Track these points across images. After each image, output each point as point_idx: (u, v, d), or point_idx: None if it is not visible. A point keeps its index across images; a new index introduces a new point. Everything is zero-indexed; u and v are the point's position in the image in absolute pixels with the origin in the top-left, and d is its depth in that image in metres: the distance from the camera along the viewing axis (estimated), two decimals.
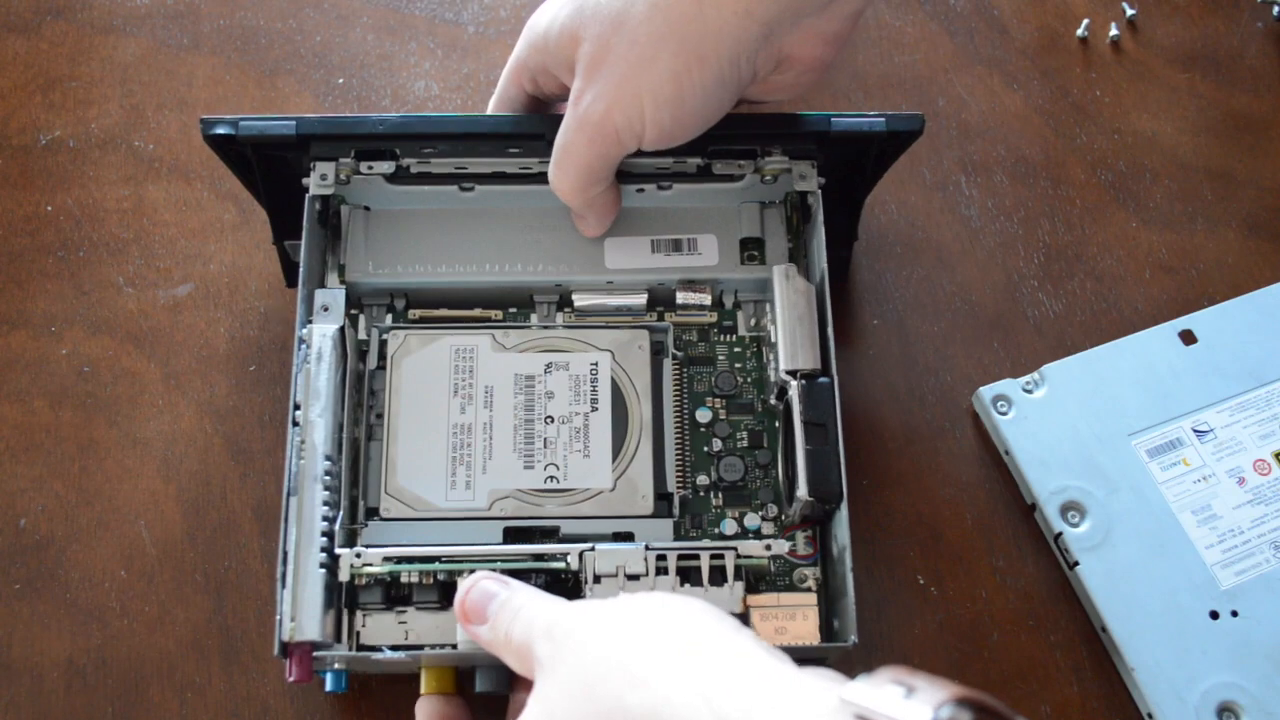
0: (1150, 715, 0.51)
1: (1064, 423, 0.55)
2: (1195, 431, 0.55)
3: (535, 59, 0.51)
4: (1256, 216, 0.61)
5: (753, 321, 0.54)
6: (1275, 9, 0.65)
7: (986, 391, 0.56)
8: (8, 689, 0.52)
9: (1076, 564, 0.53)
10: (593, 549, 0.47)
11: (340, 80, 0.64)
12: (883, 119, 0.51)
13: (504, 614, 0.43)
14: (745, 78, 0.49)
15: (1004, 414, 0.55)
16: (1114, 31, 0.65)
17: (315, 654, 0.46)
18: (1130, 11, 0.65)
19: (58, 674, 0.52)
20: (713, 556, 0.47)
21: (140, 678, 0.52)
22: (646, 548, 0.47)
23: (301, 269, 0.50)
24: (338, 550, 0.47)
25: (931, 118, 0.63)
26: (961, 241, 0.60)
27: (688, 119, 0.48)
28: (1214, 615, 0.52)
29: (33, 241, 0.60)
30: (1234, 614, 0.52)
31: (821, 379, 0.49)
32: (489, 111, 0.54)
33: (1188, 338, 0.57)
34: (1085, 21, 0.65)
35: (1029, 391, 0.56)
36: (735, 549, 0.47)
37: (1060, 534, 0.53)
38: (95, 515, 0.55)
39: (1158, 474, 0.54)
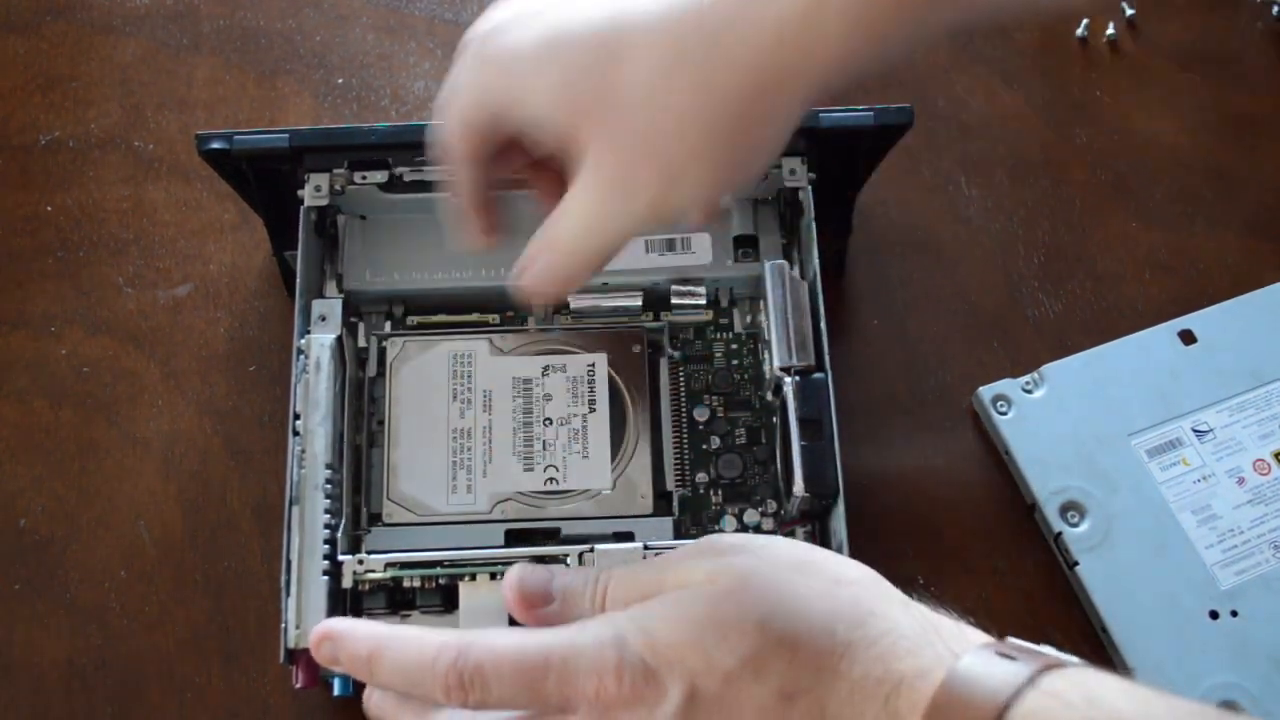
0: None
1: (1064, 423, 0.55)
2: (1195, 431, 0.55)
3: (490, 107, 0.42)
4: (1256, 216, 0.61)
5: (748, 319, 0.54)
6: (1275, 9, 0.65)
7: (986, 391, 0.56)
8: (8, 689, 0.52)
9: (1076, 564, 0.53)
10: (592, 549, 0.47)
11: (340, 80, 0.64)
12: (871, 112, 0.52)
13: (581, 588, 0.42)
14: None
15: (1004, 414, 0.55)
16: (1111, 31, 0.65)
17: None
18: (1129, 11, 0.65)
19: (58, 674, 0.52)
20: None
21: (140, 678, 0.52)
22: (645, 547, 0.47)
23: (299, 280, 0.51)
24: (340, 557, 0.47)
25: (931, 118, 0.63)
26: (961, 241, 0.60)
27: (735, 188, 0.42)
28: (1214, 615, 0.52)
29: (33, 241, 0.60)
30: (1234, 614, 0.52)
31: (816, 375, 0.49)
32: (443, 143, 0.44)
33: (1188, 338, 0.57)
34: (1085, 21, 0.65)
35: (1029, 391, 0.56)
36: None
37: (1060, 534, 0.53)
38: (95, 515, 0.55)
39: (1158, 474, 0.54)
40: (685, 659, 0.38)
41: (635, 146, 0.39)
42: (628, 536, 0.49)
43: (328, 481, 0.48)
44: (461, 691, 0.39)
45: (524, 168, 0.45)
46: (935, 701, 0.35)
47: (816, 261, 0.51)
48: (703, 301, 0.54)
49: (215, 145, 0.51)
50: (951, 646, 0.37)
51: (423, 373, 0.52)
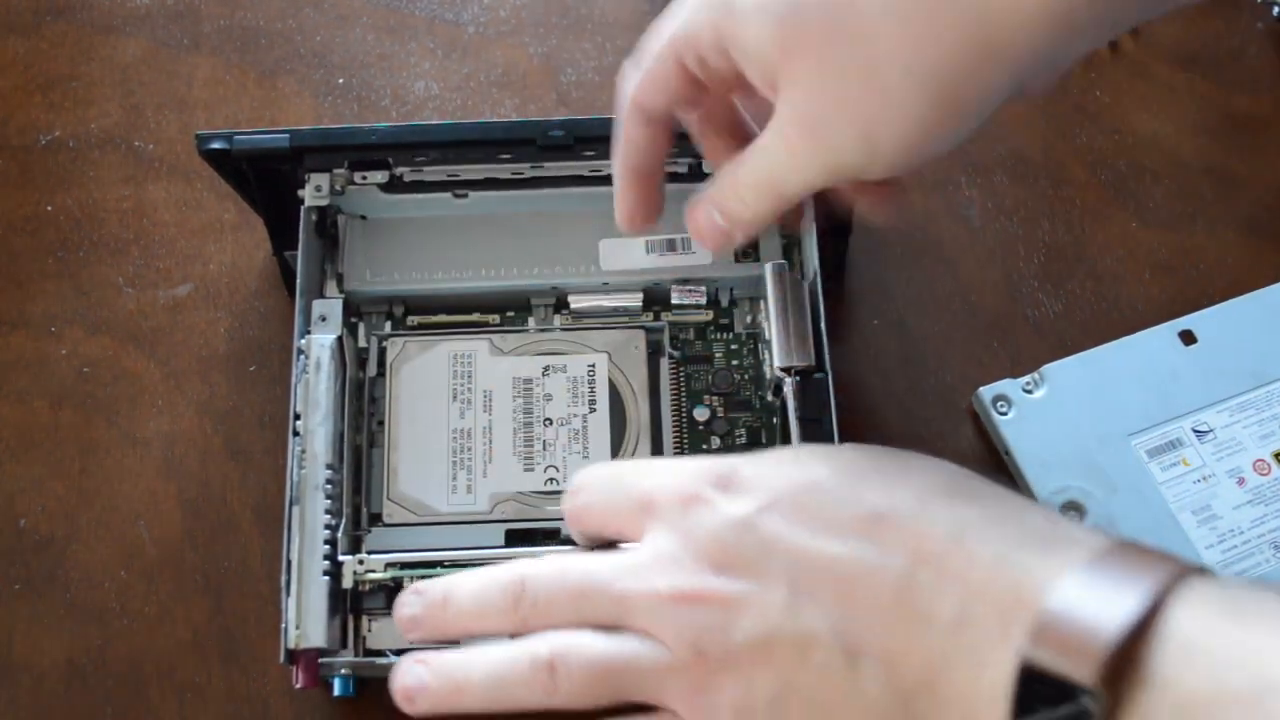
0: None
1: (1064, 423, 0.55)
2: (1195, 431, 0.55)
3: (709, 35, 0.40)
4: (1256, 216, 0.61)
5: (749, 319, 0.54)
6: (1275, 9, 0.65)
7: (986, 391, 0.56)
8: (8, 689, 0.52)
9: None
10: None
11: (340, 80, 0.64)
12: None
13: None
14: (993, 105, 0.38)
15: (1004, 414, 0.55)
16: None
17: (322, 660, 0.46)
18: None
19: (58, 674, 0.52)
20: None
21: (140, 678, 0.52)
22: None
23: (299, 280, 0.51)
24: (341, 557, 0.47)
25: None
26: (961, 241, 0.60)
27: (929, 154, 0.39)
28: None
29: (33, 241, 0.60)
30: None
31: (816, 375, 0.49)
32: (631, 93, 0.44)
33: (1188, 338, 0.57)
34: None
35: (1029, 391, 0.56)
36: None
37: None
38: (95, 515, 0.55)
39: (1158, 474, 0.54)
40: (769, 475, 0.39)
41: (857, 78, 0.37)
42: None
43: (328, 482, 0.48)
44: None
45: (699, 119, 0.45)
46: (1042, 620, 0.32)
47: (816, 261, 0.51)
48: (703, 301, 0.54)
49: (215, 145, 0.51)
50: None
51: (423, 373, 0.52)
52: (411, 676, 0.41)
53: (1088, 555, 0.33)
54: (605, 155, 0.52)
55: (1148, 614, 0.31)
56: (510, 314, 0.54)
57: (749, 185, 0.42)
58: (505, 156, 0.52)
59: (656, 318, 0.54)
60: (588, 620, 0.40)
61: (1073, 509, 0.53)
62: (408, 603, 0.43)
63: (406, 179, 0.53)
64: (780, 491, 0.38)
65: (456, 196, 0.54)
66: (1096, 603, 0.32)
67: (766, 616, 0.37)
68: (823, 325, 0.50)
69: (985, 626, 0.33)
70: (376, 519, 0.50)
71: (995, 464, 0.56)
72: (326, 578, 0.46)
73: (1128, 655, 0.31)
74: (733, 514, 0.38)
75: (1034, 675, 0.32)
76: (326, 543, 0.47)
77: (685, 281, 0.54)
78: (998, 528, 0.35)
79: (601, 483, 0.43)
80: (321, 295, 0.52)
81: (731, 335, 0.54)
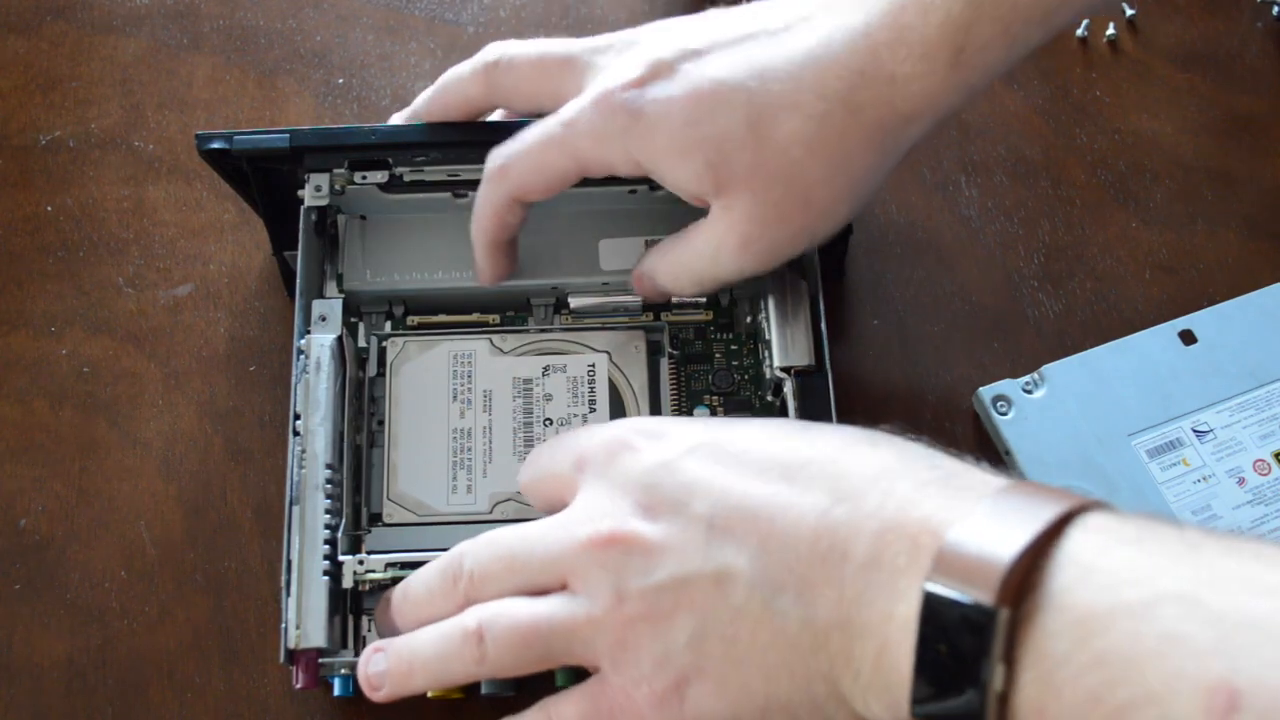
0: None
1: (1064, 423, 0.55)
2: (1195, 432, 0.55)
3: (623, 162, 0.46)
4: (1256, 216, 0.61)
5: (748, 319, 0.54)
6: (1275, 9, 0.65)
7: (986, 392, 0.56)
8: (8, 689, 0.52)
9: None
10: None
11: (340, 80, 0.64)
12: None
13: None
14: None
15: (1004, 414, 0.55)
16: (1111, 31, 0.65)
17: (321, 660, 0.46)
18: (1130, 11, 0.65)
19: (58, 674, 0.52)
20: None
21: (140, 678, 0.52)
22: None
23: (299, 280, 0.51)
24: (341, 557, 0.47)
25: None
26: (961, 241, 0.60)
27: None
28: None
29: (33, 241, 0.60)
30: None
31: (816, 375, 0.49)
32: (510, 190, 0.48)
33: (1188, 338, 0.57)
34: (1085, 21, 0.65)
35: (1029, 391, 0.56)
36: None
37: None
38: (95, 515, 0.55)
39: (1158, 474, 0.54)
40: (696, 428, 0.42)
41: (789, 196, 0.44)
42: None
43: (328, 481, 0.48)
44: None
45: None
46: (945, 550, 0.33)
47: (816, 261, 0.51)
48: (703, 301, 0.54)
49: (215, 145, 0.51)
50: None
51: (423, 373, 0.52)
52: (373, 664, 0.44)
53: (992, 492, 0.34)
54: None
55: (1044, 539, 0.32)
56: (510, 314, 0.54)
57: (687, 272, 0.48)
58: None
59: (656, 318, 0.54)
60: (520, 586, 0.41)
61: None
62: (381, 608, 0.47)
63: (406, 179, 0.53)
64: (704, 439, 0.40)
65: (456, 196, 0.54)
66: (996, 531, 0.33)
67: (686, 556, 0.38)
68: (823, 325, 0.50)
69: (898, 561, 0.34)
70: (376, 519, 0.50)
71: (995, 464, 0.56)
72: (326, 578, 0.46)
73: (1028, 580, 0.32)
74: (656, 457, 0.40)
75: (939, 603, 0.32)
76: (326, 543, 0.47)
77: None
78: (912, 469, 0.37)
79: (545, 452, 0.45)
80: (321, 295, 0.52)
81: (731, 335, 0.54)
